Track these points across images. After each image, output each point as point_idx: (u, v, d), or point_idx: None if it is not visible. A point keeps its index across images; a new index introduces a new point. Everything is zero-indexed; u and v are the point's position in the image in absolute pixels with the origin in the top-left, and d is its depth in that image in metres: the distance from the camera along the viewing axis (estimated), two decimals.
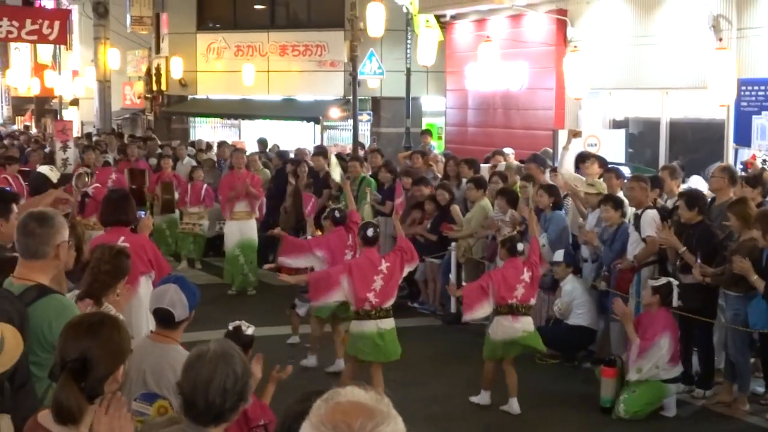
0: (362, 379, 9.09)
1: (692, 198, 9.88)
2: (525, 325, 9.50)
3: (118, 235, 7.85)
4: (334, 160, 15.03)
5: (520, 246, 9.63)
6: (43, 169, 15.39)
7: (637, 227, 10.30)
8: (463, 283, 12.45)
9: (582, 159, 12.20)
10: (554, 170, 12.94)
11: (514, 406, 9.42)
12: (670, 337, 9.12)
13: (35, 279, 4.69)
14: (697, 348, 9.96)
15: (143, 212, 8.99)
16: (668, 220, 10.04)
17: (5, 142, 26.14)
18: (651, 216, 10.18)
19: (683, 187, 11.71)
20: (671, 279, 9.38)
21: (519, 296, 9.41)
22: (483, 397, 9.67)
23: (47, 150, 22.15)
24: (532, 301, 9.59)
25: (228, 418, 3.76)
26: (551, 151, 13.84)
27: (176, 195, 16.78)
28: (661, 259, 10.27)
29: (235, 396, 3.81)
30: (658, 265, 10.30)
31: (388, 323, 9.05)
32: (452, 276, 12.97)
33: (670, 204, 10.84)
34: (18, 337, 4.03)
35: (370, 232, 9.07)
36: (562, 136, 13.67)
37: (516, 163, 14.76)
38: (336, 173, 14.29)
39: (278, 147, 20.63)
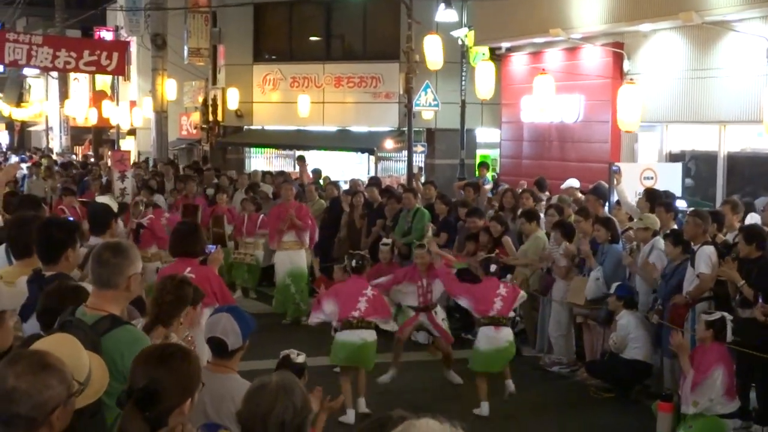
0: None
1: (751, 233, 9.82)
2: (506, 335, 10.34)
3: (185, 266, 7.99)
4: None
5: (492, 267, 10.59)
6: (104, 198, 15.57)
7: (693, 263, 10.22)
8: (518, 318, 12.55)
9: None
10: (617, 203, 12.92)
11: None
12: (723, 370, 9.02)
13: (107, 309, 4.72)
14: (755, 383, 9.83)
15: (213, 246, 9.11)
16: (729, 254, 9.94)
17: (60, 170, 26.47)
18: (707, 253, 10.09)
19: None
20: (725, 314, 9.28)
21: (498, 309, 10.25)
22: (483, 408, 10.14)
23: (104, 180, 22.42)
24: (511, 314, 10.52)
25: None
26: (606, 184, 13.73)
27: (227, 228, 16.93)
28: (716, 294, 10.17)
29: (293, 430, 3.82)
30: (714, 301, 10.20)
31: (370, 334, 9.99)
32: None
33: (730, 239, 10.74)
34: (104, 367, 4.01)
35: (354, 262, 10.38)
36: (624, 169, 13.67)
37: (569, 197, 14.69)
38: None
39: (329, 179, 20.73)
